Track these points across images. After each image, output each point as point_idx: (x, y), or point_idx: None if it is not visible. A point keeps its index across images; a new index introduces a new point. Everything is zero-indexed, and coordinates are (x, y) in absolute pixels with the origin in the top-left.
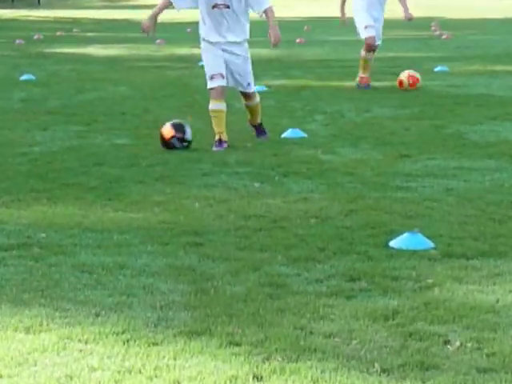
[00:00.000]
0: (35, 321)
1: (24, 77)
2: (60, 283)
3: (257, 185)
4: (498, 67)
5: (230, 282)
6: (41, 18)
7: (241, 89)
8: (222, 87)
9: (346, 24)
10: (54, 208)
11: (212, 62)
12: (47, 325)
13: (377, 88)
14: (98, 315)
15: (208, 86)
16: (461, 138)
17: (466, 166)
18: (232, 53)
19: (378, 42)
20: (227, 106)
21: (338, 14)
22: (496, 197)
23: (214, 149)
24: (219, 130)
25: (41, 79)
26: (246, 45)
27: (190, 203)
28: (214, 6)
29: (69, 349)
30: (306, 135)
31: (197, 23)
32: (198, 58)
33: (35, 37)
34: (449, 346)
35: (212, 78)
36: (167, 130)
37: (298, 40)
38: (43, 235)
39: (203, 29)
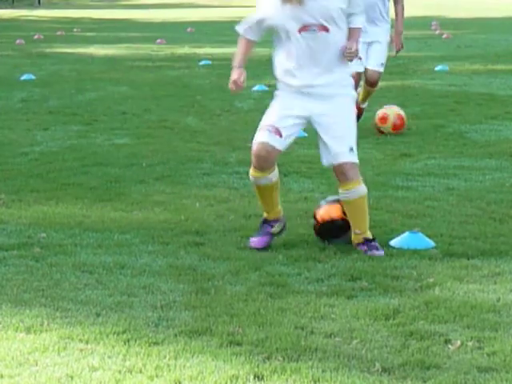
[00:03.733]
0: (36, 321)
1: (24, 77)
2: (61, 283)
3: None
4: (499, 66)
5: (230, 282)
6: (41, 18)
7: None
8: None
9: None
10: (54, 208)
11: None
12: (48, 325)
13: (380, 89)
14: (98, 315)
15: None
16: (461, 137)
17: (466, 165)
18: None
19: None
20: (228, 105)
21: None
22: (497, 196)
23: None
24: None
25: (41, 79)
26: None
27: (191, 203)
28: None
29: (69, 349)
30: (306, 134)
31: (197, 23)
32: (198, 58)
33: (35, 37)
34: (449, 346)
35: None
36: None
37: None
38: (44, 235)
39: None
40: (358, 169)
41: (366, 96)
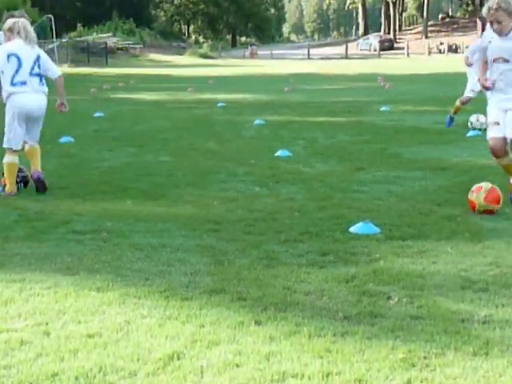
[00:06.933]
0: (103, 283)
1: (96, 114)
2: (121, 257)
3: (257, 189)
4: (424, 108)
5: (238, 257)
6: (108, 74)
7: None
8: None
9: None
10: (117, 205)
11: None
12: (112, 286)
13: (342, 123)
14: (147, 279)
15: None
16: (398, 156)
17: (402, 175)
18: None
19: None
20: (236, 134)
21: (322, 70)
22: (423, 197)
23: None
24: None
25: (108, 115)
26: None
27: (211, 201)
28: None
29: (127, 303)
30: (291, 154)
31: (216, 77)
32: (217, 101)
33: (104, 87)
34: (390, 301)
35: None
36: None
37: (286, 89)
38: (109, 224)
39: None
40: None
41: None
